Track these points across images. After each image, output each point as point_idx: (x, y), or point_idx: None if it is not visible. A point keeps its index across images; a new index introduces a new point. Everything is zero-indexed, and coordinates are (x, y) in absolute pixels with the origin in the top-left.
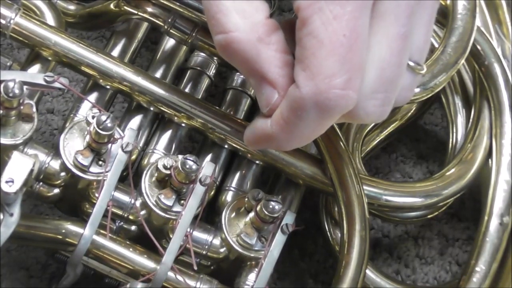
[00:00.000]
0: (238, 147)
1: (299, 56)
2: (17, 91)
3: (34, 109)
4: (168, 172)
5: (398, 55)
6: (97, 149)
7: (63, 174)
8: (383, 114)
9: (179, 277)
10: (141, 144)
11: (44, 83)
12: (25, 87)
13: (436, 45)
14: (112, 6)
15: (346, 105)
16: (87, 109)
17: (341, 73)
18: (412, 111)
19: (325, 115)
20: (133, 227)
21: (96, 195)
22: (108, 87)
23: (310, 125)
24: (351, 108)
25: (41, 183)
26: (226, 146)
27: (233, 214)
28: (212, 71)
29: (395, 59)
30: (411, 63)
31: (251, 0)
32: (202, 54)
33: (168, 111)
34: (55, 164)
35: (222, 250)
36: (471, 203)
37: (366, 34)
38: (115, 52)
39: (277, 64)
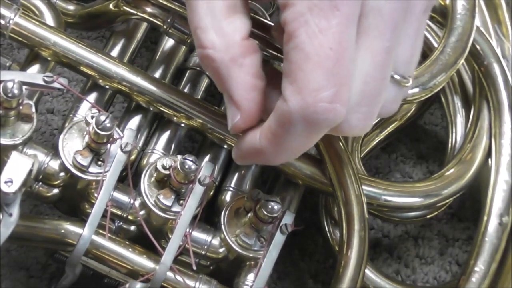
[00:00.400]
0: None
1: (286, 70)
2: (16, 91)
3: (34, 109)
4: (167, 172)
5: (381, 69)
6: (96, 149)
7: (62, 174)
8: (365, 128)
9: (178, 277)
10: (140, 144)
11: (43, 83)
12: (24, 87)
13: (436, 45)
14: (111, 6)
15: (334, 119)
16: (86, 109)
17: (328, 86)
18: (412, 111)
19: (313, 129)
20: (132, 227)
21: (95, 195)
22: (107, 87)
23: (298, 138)
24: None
25: (40, 183)
26: (225, 146)
27: (232, 214)
28: None
29: (378, 73)
30: (397, 76)
31: (232, 19)
32: None
33: (167, 111)
34: (54, 164)
35: (221, 250)
36: (471, 203)
37: (352, 48)
38: (115, 52)
39: (244, 87)
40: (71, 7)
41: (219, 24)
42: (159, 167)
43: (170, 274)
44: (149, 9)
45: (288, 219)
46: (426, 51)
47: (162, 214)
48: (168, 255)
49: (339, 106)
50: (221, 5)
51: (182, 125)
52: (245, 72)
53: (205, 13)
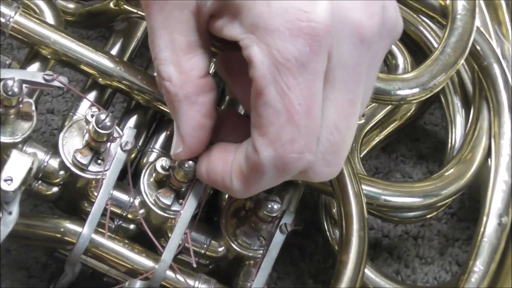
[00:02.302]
0: None
1: (256, 123)
2: (16, 89)
3: (33, 108)
4: (166, 173)
5: (347, 120)
6: (96, 147)
7: (62, 172)
8: (332, 174)
9: (178, 276)
10: (140, 143)
11: (43, 81)
12: (24, 85)
13: (436, 45)
14: (111, 5)
15: (303, 166)
16: (86, 108)
17: (298, 139)
18: (411, 111)
19: (283, 175)
20: (131, 226)
21: (95, 193)
22: (107, 86)
23: (268, 182)
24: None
25: (40, 181)
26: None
27: (232, 214)
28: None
29: (343, 124)
30: None
31: (191, 55)
32: None
33: (167, 110)
34: (54, 163)
35: (220, 249)
36: (471, 203)
37: (320, 100)
38: (114, 51)
39: (192, 125)
40: (71, 6)
41: (178, 59)
42: (158, 167)
43: (169, 273)
44: None
45: (287, 218)
46: (426, 51)
47: (161, 213)
48: (168, 253)
49: (308, 154)
50: (182, 40)
51: None
52: (196, 110)
53: (165, 45)
